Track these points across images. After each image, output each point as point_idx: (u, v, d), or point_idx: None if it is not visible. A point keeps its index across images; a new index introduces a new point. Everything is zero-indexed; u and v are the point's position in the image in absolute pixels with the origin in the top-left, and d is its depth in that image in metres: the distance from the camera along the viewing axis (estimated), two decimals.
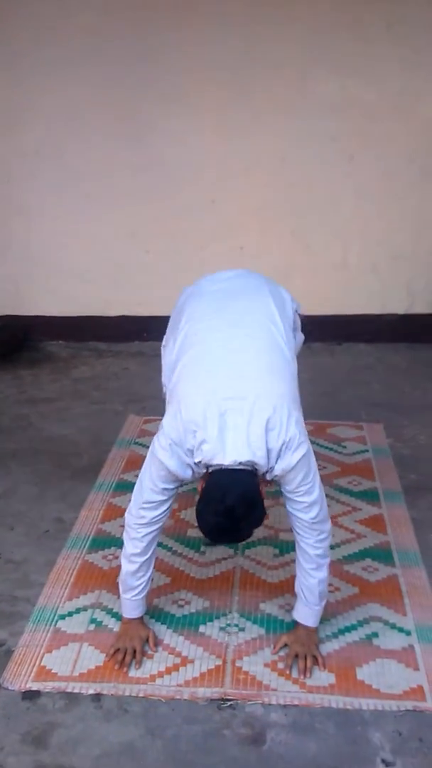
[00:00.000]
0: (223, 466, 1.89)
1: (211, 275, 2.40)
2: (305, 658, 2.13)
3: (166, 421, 2.00)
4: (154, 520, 2.06)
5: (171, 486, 2.02)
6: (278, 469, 1.95)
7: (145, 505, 2.05)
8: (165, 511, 2.07)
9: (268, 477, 1.99)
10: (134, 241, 4.54)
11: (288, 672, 2.13)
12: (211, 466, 1.92)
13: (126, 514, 2.13)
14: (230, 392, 1.92)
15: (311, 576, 2.12)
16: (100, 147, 4.36)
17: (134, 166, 4.38)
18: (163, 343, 2.43)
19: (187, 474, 1.98)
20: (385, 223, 4.41)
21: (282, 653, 2.19)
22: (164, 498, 2.03)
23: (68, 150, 4.39)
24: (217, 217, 4.44)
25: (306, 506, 2.02)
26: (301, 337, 2.38)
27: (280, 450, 1.92)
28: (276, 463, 1.94)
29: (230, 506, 1.85)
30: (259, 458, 1.90)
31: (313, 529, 2.06)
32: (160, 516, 2.07)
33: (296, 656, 2.15)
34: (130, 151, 4.36)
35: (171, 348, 2.25)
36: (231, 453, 1.88)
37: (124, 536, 2.15)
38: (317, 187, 4.37)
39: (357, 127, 4.25)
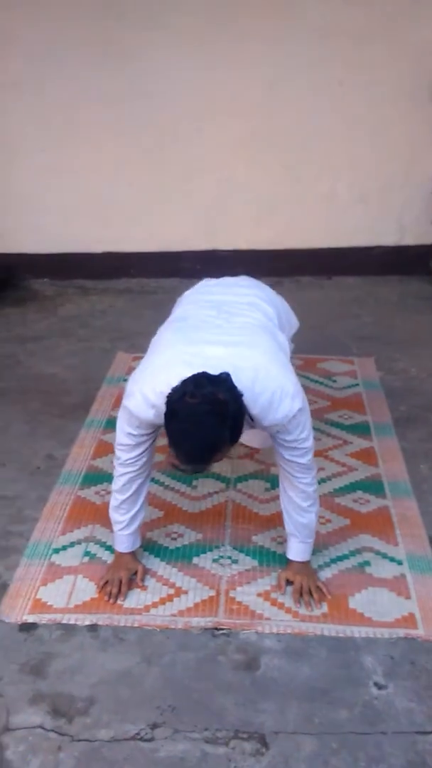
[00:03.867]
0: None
1: (205, 286, 2.44)
2: (309, 593, 2.16)
3: (143, 379, 1.97)
4: (128, 461, 2.11)
5: (136, 432, 2.03)
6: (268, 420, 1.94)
7: (120, 447, 2.11)
8: (140, 454, 2.10)
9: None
10: (118, 175, 4.42)
11: (296, 608, 2.14)
12: None
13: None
14: (205, 358, 1.88)
15: (308, 512, 2.14)
16: (80, 77, 4.20)
17: (116, 96, 4.24)
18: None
19: (150, 415, 1.94)
20: (374, 153, 4.31)
21: (288, 590, 2.21)
22: (133, 443, 2.07)
23: (48, 81, 4.23)
24: (202, 148, 4.33)
25: (303, 452, 2.04)
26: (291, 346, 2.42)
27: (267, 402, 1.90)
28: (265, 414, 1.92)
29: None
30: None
31: (308, 470, 2.09)
32: (134, 459, 2.10)
33: (300, 589, 2.17)
34: (112, 81, 4.21)
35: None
36: None
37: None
38: (305, 115, 4.25)
39: (345, 52, 4.11)
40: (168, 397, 1.80)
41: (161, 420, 1.85)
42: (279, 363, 1.98)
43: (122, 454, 2.11)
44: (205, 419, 1.74)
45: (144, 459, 2.13)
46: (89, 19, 4.09)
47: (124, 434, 2.06)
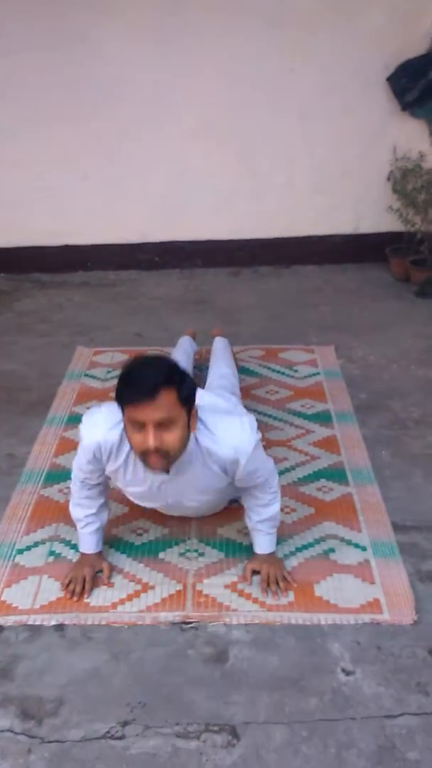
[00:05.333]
0: None
1: None
2: (276, 582, 2.18)
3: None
4: (84, 480, 2.16)
5: (93, 466, 2.09)
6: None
7: (77, 470, 2.15)
8: (98, 477, 2.15)
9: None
10: (72, 166, 4.36)
11: (263, 598, 2.15)
12: None
13: None
14: None
15: (272, 504, 2.18)
16: (31, 64, 4.13)
17: (68, 85, 4.17)
18: None
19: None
20: (329, 141, 4.31)
21: (255, 580, 2.22)
22: (92, 467, 2.10)
23: None
24: (156, 139, 4.29)
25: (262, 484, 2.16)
26: None
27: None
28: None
29: None
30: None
31: (268, 485, 2.16)
32: (89, 478, 2.15)
33: (267, 579, 2.19)
34: (64, 68, 4.13)
35: None
36: None
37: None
38: (259, 103, 4.23)
39: (296, 40, 4.09)
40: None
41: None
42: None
43: (80, 473, 2.15)
44: (158, 361, 1.90)
45: (101, 480, 2.18)
46: (37, 3, 4.00)
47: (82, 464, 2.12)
